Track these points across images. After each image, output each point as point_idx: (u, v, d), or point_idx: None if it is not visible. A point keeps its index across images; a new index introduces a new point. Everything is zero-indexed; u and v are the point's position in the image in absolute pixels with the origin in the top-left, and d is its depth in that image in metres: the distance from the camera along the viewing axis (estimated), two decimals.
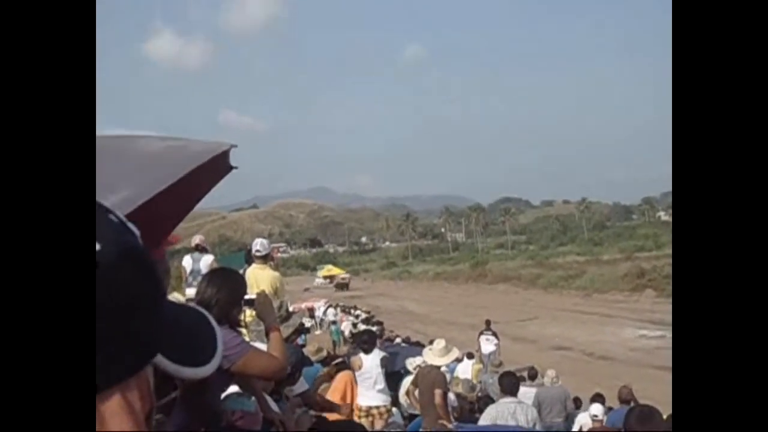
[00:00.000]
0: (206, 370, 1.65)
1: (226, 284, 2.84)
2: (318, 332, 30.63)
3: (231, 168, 2.70)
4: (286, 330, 4.99)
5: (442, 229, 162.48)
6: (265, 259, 6.89)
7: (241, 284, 2.99)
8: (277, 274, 6.91)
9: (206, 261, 8.15)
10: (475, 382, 12.23)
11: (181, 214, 2.82)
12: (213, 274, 2.93)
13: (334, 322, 28.77)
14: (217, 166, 2.83)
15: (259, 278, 6.58)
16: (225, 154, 2.69)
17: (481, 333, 19.62)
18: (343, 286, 77.97)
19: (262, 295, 3.17)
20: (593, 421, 9.30)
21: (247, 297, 3.02)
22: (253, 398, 3.04)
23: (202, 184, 2.79)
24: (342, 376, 7.28)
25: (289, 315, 5.16)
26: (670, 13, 1.74)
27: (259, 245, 6.88)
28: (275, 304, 5.28)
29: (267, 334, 2.99)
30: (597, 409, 9.45)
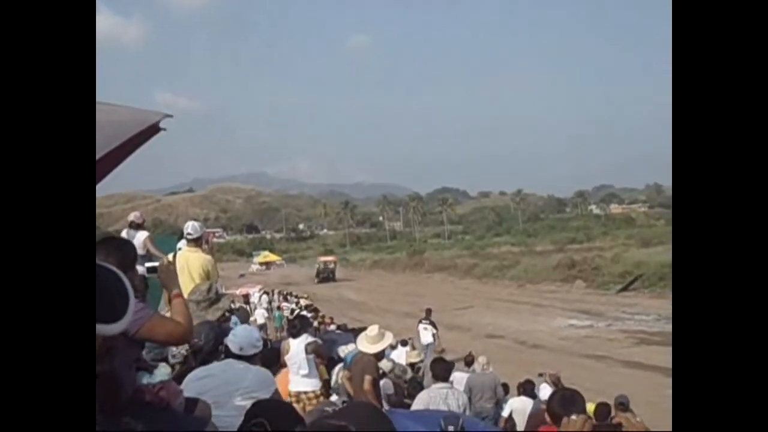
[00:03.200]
0: (119, 326, 1.59)
1: (114, 252, 2.76)
2: (252, 318, 30.35)
3: (159, 130, 2.65)
4: (216, 313, 4.89)
5: (380, 218, 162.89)
6: (197, 242, 6.73)
7: (130, 251, 2.91)
8: (209, 257, 6.76)
9: (140, 238, 7.84)
10: (405, 365, 12.33)
11: (102, 176, 2.77)
12: (102, 242, 2.84)
13: (279, 308, 28.56)
14: (146, 131, 2.77)
15: (190, 261, 6.43)
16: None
17: (420, 322, 19.73)
18: (327, 274, 68.03)
19: (164, 262, 3.16)
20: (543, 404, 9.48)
21: (149, 264, 3.01)
22: (161, 365, 2.98)
23: (129, 148, 2.73)
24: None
25: (218, 298, 5.06)
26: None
27: (190, 228, 6.72)
28: (204, 286, 5.18)
29: (170, 302, 2.97)
30: (546, 393, 9.62)
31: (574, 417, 2.42)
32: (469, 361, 12.49)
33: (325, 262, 71.80)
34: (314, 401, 7.34)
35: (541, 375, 10.88)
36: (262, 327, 26.07)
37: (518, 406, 9.79)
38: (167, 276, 3.08)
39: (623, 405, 8.89)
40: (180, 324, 2.85)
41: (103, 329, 1.52)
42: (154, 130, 2.69)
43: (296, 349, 7.62)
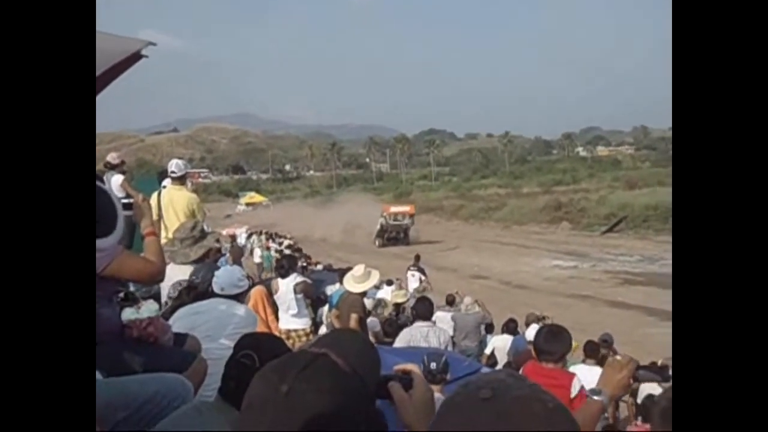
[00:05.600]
0: (112, 239, 1.57)
1: None
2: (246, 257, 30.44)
3: (141, 57, 2.59)
4: (199, 251, 4.87)
5: (367, 159, 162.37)
6: (182, 180, 6.67)
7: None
8: (193, 195, 6.72)
9: (116, 181, 7.64)
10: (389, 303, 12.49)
11: None
12: None
13: (268, 248, 28.58)
14: (129, 59, 2.70)
15: (174, 199, 6.38)
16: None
17: (409, 268, 19.89)
18: (397, 233, 44.68)
19: (139, 198, 3.11)
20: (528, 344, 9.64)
21: (125, 201, 2.95)
22: (149, 301, 2.97)
23: (112, 75, 2.67)
24: (253, 292, 7.30)
25: (203, 235, 5.04)
26: None
27: (174, 166, 6.65)
28: (189, 224, 5.15)
29: (143, 239, 2.93)
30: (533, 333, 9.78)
31: (618, 357, 2.38)
32: (450, 301, 12.62)
33: (394, 215, 45.49)
34: (304, 339, 7.43)
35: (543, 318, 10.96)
36: (259, 266, 26.21)
37: (500, 344, 9.97)
38: (139, 212, 3.01)
39: (607, 343, 9.06)
40: (151, 262, 2.79)
41: (97, 243, 1.52)
42: (136, 58, 2.62)
43: (285, 288, 7.68)
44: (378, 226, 45.29)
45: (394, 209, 47.01)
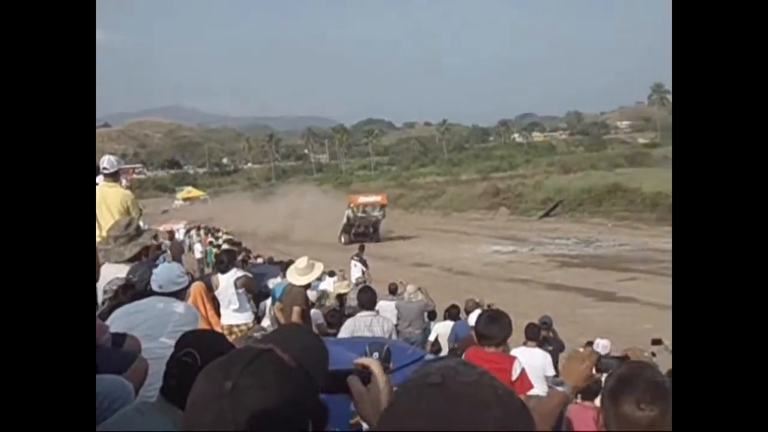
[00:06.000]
0: None
1: None
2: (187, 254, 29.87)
3: None
4: (134, 249, 4.76)
5: (306, 150, 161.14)
6: (115, 176, 6.49)
7: None
8: (127, 191, 6.55)
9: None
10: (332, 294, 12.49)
11: None
12: None
13: (210, 243, 28.07)
14: None
15: (107, 196, 6.20)
16: None
17: (352, 258, 19.92)
18: (366, 228, 39.37)
19: None
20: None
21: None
22: None
23: None
24: (193, 288, 7.20)
25: (139, 233, 4.92)
26: None
27: (106, 162, 6.45)
28: (123, 221, 5.03)
29: None
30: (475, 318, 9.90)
31: (581, 349, 2.44)
32: (392, 290, 12.67)
33: (363, 207, 40.11)
34: (246, 333, 7.36)
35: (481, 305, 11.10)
36: (200, 261, 25.82)
37: (443, 331, 10.07)
38: None
39: (546, 325, 9.26)
40: None
41: None
42: None
43: (225, 284, 7.59)
44: (344, 220, 39.43)
45: (362, 199, 40.96)
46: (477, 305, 10.14)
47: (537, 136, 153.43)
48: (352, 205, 39.97)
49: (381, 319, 6.88)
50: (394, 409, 1.01)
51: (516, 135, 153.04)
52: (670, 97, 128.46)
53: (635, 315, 16.46)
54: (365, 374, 1.68)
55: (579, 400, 6.57)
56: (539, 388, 7.05)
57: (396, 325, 9.17)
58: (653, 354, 6.10)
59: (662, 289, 19.76)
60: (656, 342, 6.47)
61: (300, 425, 1.24)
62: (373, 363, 1.72)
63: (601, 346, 7.82)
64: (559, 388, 2.23)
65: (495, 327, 4.07)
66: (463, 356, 4.22)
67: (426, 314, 11.16)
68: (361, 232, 38.84)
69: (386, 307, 10.39)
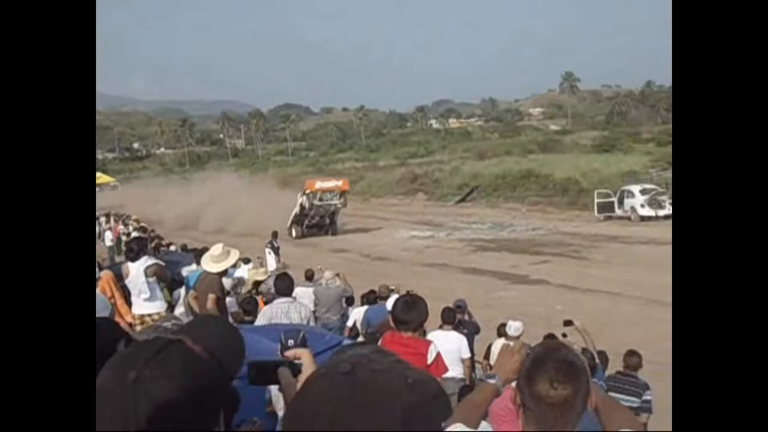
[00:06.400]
0: None
1: None
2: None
3: None
4: None
5: (221, 135, 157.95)
6: None
7: None
8: None
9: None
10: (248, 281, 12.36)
11: None
12: None
13: (126, 233, 27.17)
14: None
15: None
16: None
17: (266, 245, 19.78)
18: (322, 219, 34.22)
19: None
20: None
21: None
22: None
23: None
24: (101, 277, 6.99)
25: None
26: None
27: None
28: None
29: None
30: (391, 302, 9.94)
31: (511, 343, 2.50)
32: (309, 276, 12.60)
33: (321, 193, 33.63)
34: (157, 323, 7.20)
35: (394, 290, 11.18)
36: (111, 249, 25.07)
37: (360, 316, 10.11)
38: None
39: (461, 308, 9.42)
40: None
41: None
42: None
43: (135, 272, 7.38)
44: (296, 209, 33.66)
45: (320, 185, 34.19)
46: (391, 291, 10.21)
47: (453, 123, 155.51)
48: (308, 191, 33.30)
49: (298, 306, 6.85)
50: (303, 396, 1.01)
51: (433, 121, 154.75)
52: (579, 85, 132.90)
53: (547, 297, 16.98)
54: (296, 366, 1.67)
55: None
56: (455, 371, 7.22)
57: (314, 311, 9.15)
58: (564, 335, 6.31)
59: (572, 272, 20.52)
60: (567, 323, 6.70)
61: (208, 415, 1.24)
62: (304, 354, 1.71)
63: (513, 328, 8.02)
64: (491, 381, 2.29)
65: (411, 312, 4.10)
66: (380, 342, 4.24)
67: (344, 300, 11.18)
68: (316, 224, 34.17)
69: (303, 293, 10.34)
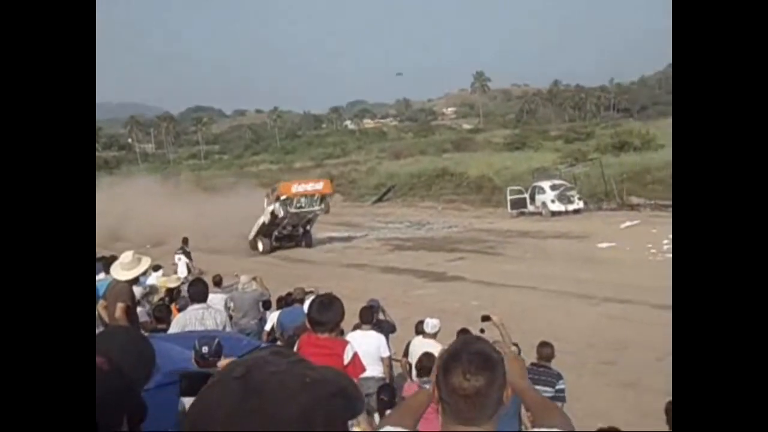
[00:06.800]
0: None
1: None
2: None
3: None
4: None
5: (129, 140, 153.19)
6: None
7: None
8: None
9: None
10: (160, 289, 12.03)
11: None
12: None
13: None
14: None
15: None
16: None
17: (176, 252, 19.40)
18: (297, 227, 28.84)
19: None
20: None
21: None
22: None
23: None
24: None
25: None
26: None
27: None
28: None
29: None
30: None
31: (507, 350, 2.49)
32: (217, 282, 12.24)
33: (299, 198, 27.71)
34: None
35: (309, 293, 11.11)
36: None
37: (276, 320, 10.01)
38: None
39: (373, 308, 9.43)
40: None
41: None
42: None
43: None
44: (263, 219, 28.02)
45: (298, 188, 27.68)
46: (307, 293, 10.15)
47: (368, 123, 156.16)
48: (282, 196, 27.22)
49: (213, 312, 6.73)
50: (198, 403, 0.99)
51: (348, 122, 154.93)
52: (490, 84, 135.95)
53: (464, 293, 17.26)
54: None
55: (415, 378, 6.81)
56: (375, 370, 7.24)
57: (230, 317, 9.00)
58: (482, 330, 6.43)
59: (488, 267, 20.96)
60: (485, 318, 6.83)
61: (109, 423, 1.27)
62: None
63: (431, 325, 8.11)
64: (427, 386, 2.31)
65: (327, 313, 4.09)
66: (296, 345, 4.20)
67: (261, 304, 11.03)
68: (288, 234, 28.88)
69: (213, 299, 10.13)
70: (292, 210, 27.18)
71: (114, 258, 8.84)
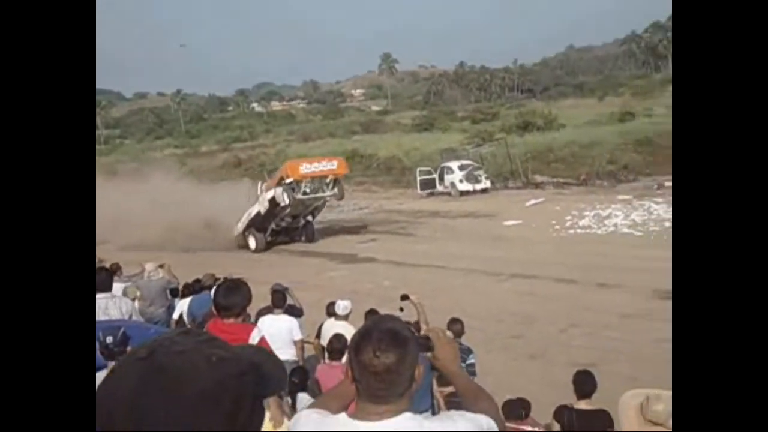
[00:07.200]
0: None
1: None
2: None
3: None
4: None
5: None
6: None
7: None
8: None
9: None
10: None
11: None
12: None
13: None
14: None
15: None
16: None
17: None
18: (298, 217, 23.55)
19: None
20: None
21: None
22: None
23: None
24: None
25: None
26: None
27: None
28: None
29: None
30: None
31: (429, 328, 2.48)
32: (114, 269, 11.55)
33: (310, 181, 22.24)
34: None
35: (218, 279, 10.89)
36: None
37: (185, 308, 9.78)
38: None
39: (281, 293, 9.31)
40: None
41: None
42: None
43: None
44: (257, 208, 23.17)
45: (308, 168, 22.28)
46: (216, 279, 9.97)
47: (276, 105, 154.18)
48: (288, 179, 22.06)
49: (118, 300, 6.54)
50: (103, 386, 0.98)
51: (255, 104, 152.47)
52: (398, 66, 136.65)
53: (375, 273, 17.42)
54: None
55: (327, 360, 6.81)
56: (288, 353, 7.22)
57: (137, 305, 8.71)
58: (401, 309, 6.48)
59: (399, 248, 21.19)
60: (404, 297, 6.89)
61: None
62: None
63: (342, 306, 8.12)
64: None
65: (233, 297, 4.04)
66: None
67: (168, 291, 10.73)
68: (285, 228, 23.96)
69: (120, 288, 9.77)
70: (299, 196, 21.95)
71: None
